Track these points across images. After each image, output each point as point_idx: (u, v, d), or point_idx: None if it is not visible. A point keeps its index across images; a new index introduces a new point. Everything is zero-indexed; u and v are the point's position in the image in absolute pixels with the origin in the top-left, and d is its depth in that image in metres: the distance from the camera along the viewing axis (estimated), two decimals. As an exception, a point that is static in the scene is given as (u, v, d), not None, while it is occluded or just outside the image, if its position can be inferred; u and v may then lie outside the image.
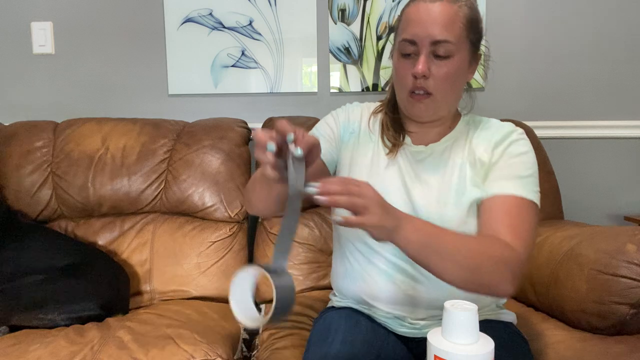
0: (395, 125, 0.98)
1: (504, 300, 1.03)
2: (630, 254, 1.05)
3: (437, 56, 0.85)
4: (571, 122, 1.80)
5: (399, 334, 0.95)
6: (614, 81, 1.79)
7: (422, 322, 0.93)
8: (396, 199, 0.91)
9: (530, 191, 0.86)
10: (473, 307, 0.53)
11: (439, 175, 0.92)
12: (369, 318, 0.97)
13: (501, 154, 0.89)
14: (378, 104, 1.04)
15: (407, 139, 0.97)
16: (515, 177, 0.86)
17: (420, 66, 0.84)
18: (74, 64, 1.78)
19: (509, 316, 0.99)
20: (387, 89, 1.04)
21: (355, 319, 0.95)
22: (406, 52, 0.86)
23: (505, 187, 0.86)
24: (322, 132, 1.02)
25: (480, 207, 0.88)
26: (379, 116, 1.01)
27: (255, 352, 1.18)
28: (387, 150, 0.96)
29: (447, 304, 0.54)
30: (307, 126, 1.55)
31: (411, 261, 0.91)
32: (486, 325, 0.87)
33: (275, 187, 0.79)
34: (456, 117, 0.98)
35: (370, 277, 0.94)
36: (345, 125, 1.02)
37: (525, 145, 0.91)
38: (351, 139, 1.00)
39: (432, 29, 0.84)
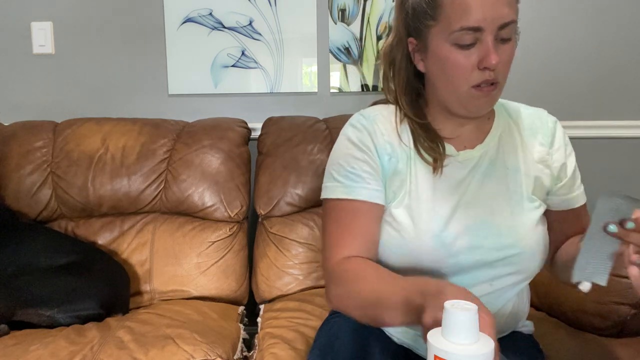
0: (429, 133, 0.84)
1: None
2: (630, 254, 1.04)
3: (501, 39, 0.74)
4: (571, 122, 1.79)
5: (411, 349, 0.88)
6: (614, 81, 1.79)
7: None
8: (465, 220, 0.82)
9: None
10: (473, 307, 0.53)
11: (498, 181, 0.84)
12: (379, 334, 0.87)
13: (563, 155, 0.89)
14: (387, 107, 0.88)
15: (449, 148, 0.84)
16: (580, 183, 0.91)
17: (494, 57, 0.72)
18: (74, 64, 1.78)
19: (529, 327, 0.94)
20: (390, 90, 0.87)
21: (364, 337, 0.84)
22: (465, 42, 0.73)
23: (581, 197, 0.91)
24: (360, 174, 0.83)
25: (569, 214, 0.90)
26: (405, 124, 0.86)
27: (252, 352, 1.18)
28: (430, 167, 0.82)
29: (447, 304, 0.54)
30: (307, 126, 1.58)
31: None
32: (509, 336, 0.85)
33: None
34: None
35: None
36: (380, 149, 0.84)
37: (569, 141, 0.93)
38: (391, 162, 0.84)
39: (499, 11, 0.71)
